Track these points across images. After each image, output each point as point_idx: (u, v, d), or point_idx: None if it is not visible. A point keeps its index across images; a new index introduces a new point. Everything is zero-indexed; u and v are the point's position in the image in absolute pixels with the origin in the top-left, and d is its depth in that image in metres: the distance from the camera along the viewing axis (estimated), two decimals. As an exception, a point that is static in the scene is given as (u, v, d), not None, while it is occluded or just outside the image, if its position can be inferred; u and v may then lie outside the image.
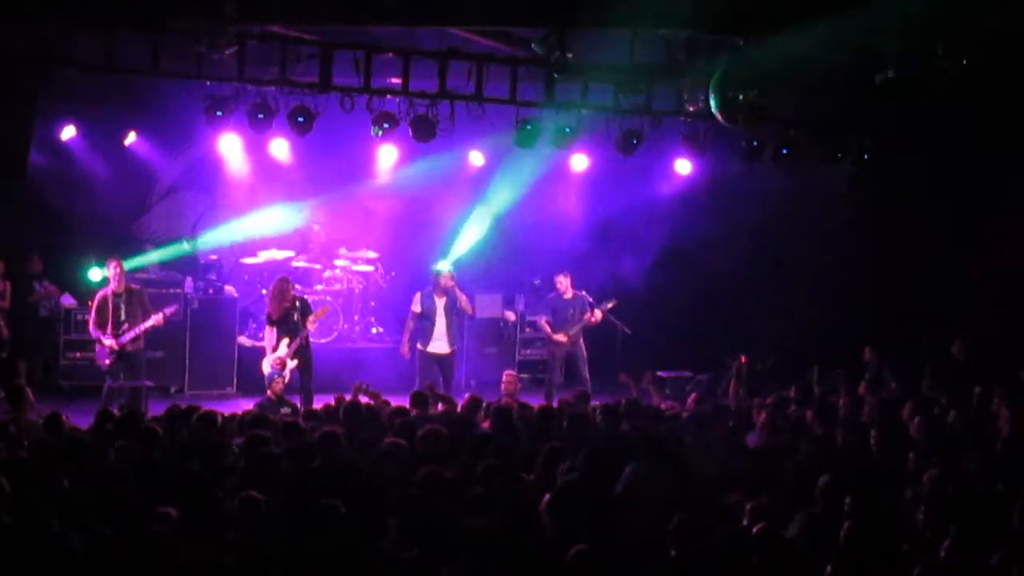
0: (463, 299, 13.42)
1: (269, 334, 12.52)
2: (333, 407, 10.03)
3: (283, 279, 12.82)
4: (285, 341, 12.33)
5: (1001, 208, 14.57)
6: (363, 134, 12.63)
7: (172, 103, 13.20)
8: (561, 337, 13.82)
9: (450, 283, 13.27)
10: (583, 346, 13.94)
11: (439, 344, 13.25)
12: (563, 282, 13.97)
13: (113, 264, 12.22)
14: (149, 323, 12.14)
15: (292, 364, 12.29)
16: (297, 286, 12.97)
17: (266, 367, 12.34)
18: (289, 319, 12.42)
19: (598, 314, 13.84)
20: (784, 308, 15.16)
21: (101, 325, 12.11)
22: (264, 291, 14.72)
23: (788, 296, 15.39)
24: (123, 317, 12.09)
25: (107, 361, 12.12)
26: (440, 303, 13.26)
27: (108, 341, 12.05)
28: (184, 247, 15.39)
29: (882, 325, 14.55)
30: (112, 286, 12.19)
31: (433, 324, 13.22)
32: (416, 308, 13.31)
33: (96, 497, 6.80)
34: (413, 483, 7.18)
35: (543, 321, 14.14)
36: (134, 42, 11.02)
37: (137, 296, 12.32)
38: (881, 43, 9.59)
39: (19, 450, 7.99)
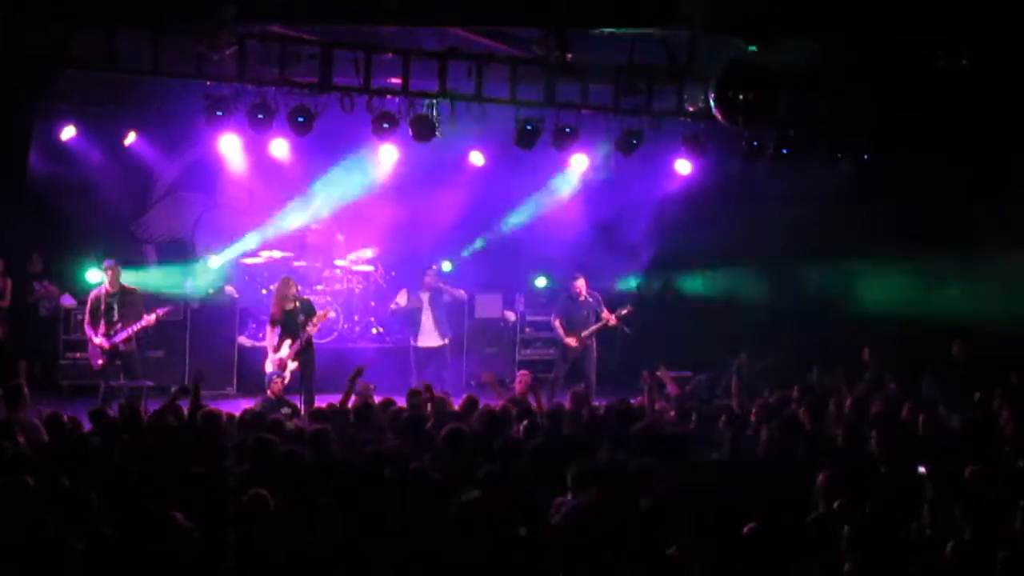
0: (450, 291, 14.11)
1: (271, 334, 12.50)
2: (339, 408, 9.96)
3: (286, 279, 12.81)
4: (287, 342, 12.33)
5: (1001, 207, 14.54)
6: (363, 134, 12.62)
7: (172, 103, 13.20)
8: (572, 340, 13.88)
9: (432, 281, 13.92)
10: (595, 348, 14.00)
11: (429, 338, 13.86)
12: (579, 285, 14.03)
13: (109, 265, 12.24)
14: (140, 324, 12.15)
15: (293, 366, 12.28)
16: (298, 286, 12.97)
17: (268, 368, 12.34)
18: (292, 320, 12.40)
19: (613, 318, 13.89)
20: (784, 308, 15.13)
21: (94, 324, 12.11)
22: (264, 291, 14.73)
23: (788, 296, 15.36)
24: (115, 317, 12.09)
25: (99, 361, 12.13)
26: (425, 297, 13.87)
27: (98, 340, 12.04)
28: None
29: (882, 325, 14.53)
30: (106, 286, 12.19)
31: (420, 319, 13.81)
32: (401, 300, 13.93)
33: (96, 497, 6.78)
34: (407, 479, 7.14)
35: (555, 322, 14.21)
36: (134, 42, 11.01)
37: (131, 296, 12.31)
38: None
39: (17, 449, 7.98)
